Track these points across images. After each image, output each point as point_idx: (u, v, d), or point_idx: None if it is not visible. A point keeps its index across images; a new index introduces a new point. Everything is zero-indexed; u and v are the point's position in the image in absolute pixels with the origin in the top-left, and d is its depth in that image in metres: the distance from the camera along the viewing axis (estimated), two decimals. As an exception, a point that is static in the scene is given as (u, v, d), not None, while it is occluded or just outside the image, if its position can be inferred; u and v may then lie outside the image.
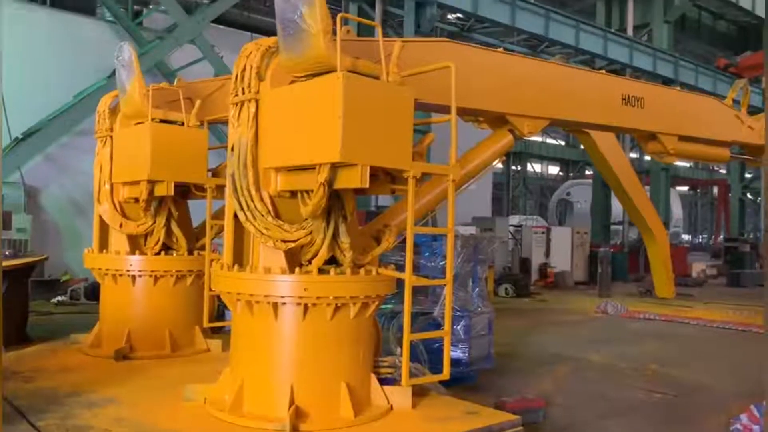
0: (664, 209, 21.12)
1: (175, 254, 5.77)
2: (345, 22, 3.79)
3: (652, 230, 12.29)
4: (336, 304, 3.86)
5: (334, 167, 3.46)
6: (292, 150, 3.61)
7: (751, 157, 8.86)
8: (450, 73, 3.84)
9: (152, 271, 5.64)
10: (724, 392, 6.63)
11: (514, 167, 47.43)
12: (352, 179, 3.41)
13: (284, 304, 3.83)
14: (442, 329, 6.20)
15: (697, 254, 35.69)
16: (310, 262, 3.94)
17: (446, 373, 4.02)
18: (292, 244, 3.82)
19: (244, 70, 3.95)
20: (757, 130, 8.29)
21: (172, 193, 5.27)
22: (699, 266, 25.17)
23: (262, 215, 3.80)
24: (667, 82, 20.78)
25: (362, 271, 3.96)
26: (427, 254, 6.78)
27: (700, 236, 59.60)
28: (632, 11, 21.64)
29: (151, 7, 14.90)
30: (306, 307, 3.82)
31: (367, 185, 3.40)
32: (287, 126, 3.63)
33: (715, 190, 48.27)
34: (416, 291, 6.61)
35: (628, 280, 19.85)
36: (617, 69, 21.16)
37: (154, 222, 5.65)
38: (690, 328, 11.28)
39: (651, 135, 7.09)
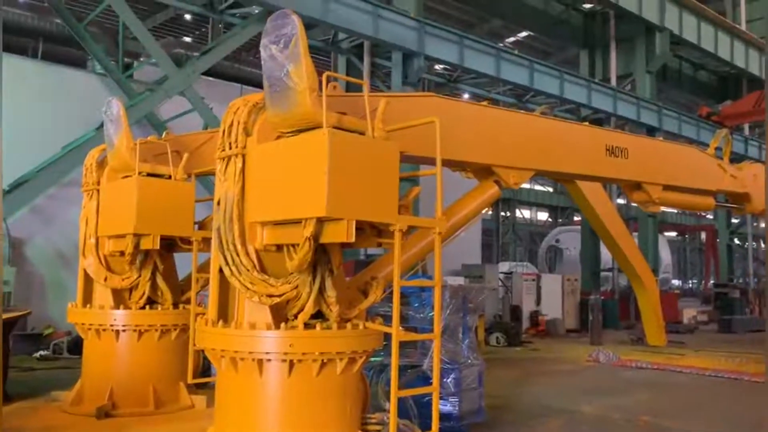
0: (652, 256, 21.20)
1: (160, 308, 5.69)
2: (331, 79, 3.87)
3: (641, 278, 12.32)
4: (322, 360, 3.80)
5: (320, 221, 3.47)
6: (278, 204, 3.61)
7: (736, 206, 8.97)
8: (435, 128, 3.88)
9: (136, 326, 5.56)
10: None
11: (503, 213, 47.81)
12: (338, 234, 3.41)
13: (269, 360, 3.77)
14: (431, 382, 6.13)
15: (688, 300, 35.73)
16: (296, 317, 3.90)
17: (435, 429, 3.92)
18: (278, 299, 3.78)
19: (231, 125, 3.99)
20: (739, 179, 8.43)
21: (158, 246, 5.23)
22: (690, 312, 25.11)
23: (248, 270, 3.77)
24: (651, 130, 21.21)
25: (349, 325, 3.92)
26: (416, 305, 6.74)
27: (690, 282, 59.79)
28: (615, 61, 22.23)
29: (141, 59, 15.12)
30: (291, 363, 3.76)
31: (353, 239, 3.40)
32: (273, 181, 3.64)
33: (703, 235, 48.77)
34: (405, 343, 6.56)
35: (620, 328, 19.75)
36: (602, 118, 21.65)
37: (139, 276, 5.60)
38: (682, 376, 11.16)
39: (636, 184, 7.19)
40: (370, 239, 3.84)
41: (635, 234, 22.25)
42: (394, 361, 3.69)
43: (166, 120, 13.47)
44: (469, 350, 6.44)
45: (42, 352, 10.21)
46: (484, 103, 5.76)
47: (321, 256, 3.80)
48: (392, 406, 3.68)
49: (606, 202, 11.56)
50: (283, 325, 3.75)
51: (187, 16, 25.24)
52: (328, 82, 3.48)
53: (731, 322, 21.21)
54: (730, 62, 24.51)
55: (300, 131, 3.60)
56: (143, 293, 5.59)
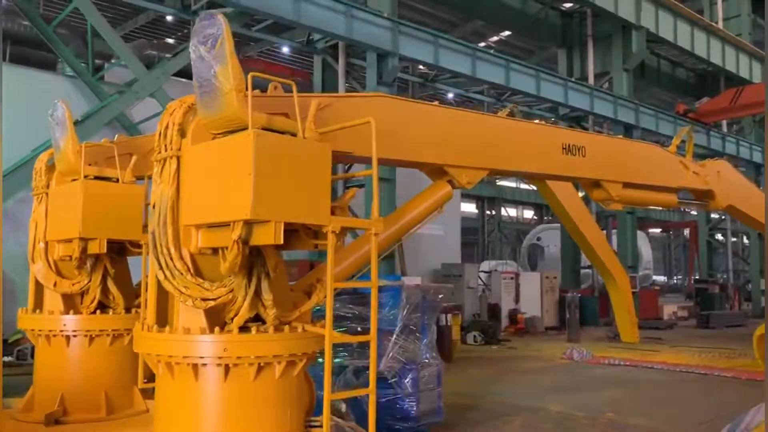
0: (631, 252, 21.32)
1: (111, 313, 5.62)
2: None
3: (613, 275, 12.37)
4: (259, 364, 3.76)
5: (249, 224, 3.44)
6: (208, 207, 3.58)
7: (700, 202, 9.03)
8: (371, 128, 3.86)
9: (87, 331, 5.48)
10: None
11: (488, 212, 47.93)
12: (267, 236, 3.38)
13: (204, 365, 3.73)
14: (390, 383, 6.12)
15: (672, 296, 35.98)
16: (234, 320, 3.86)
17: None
18: (213, 303, 3.75)
19: (167, 127, 3.95)
20: (702, 176, 8.49)
21: (105, 250, 5.17)
22: (670, 308, 25.34)
23: (181, 274, 3.73)
24: (628, 127, 21.32)
25: (286, 328, 3.88)
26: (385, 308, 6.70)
27: (675, 278, 60.24)
28: (592, 60, 22.33)
29: (112, 61, 14.98)
30: (227, 367, 3.73)
31: (281, 242, 3.37)
32: (204, 183, 3.61)
33: (687, 231, 49.12)
34: (364, 343, 6.53)
35: (599, 325, 19.85)
36: (580, 116, 21.76)
37: (90, 280, 5.53)
38: (653, 372, 11.24)
39: (595, 182, 7.22)
40: (305, 241, 3.82)
41: (614, 231, 22.43)
42: (327, 362, 3.65)
43: (137, 122, 13.36)
44: (428, 350, 6.43)
45: (6, 358, 10.09)
46: (435, 102, 5.75)
47: (257, 258, 3.77)
48: (325, 408, 3.64)
49: (577, 200, 11.61)
50: (216, 329, 3.71)
51: (169, 18, 25.07)
52: (252, 82, 3.44)
53: (709, 318, 21.38)
54: (707, 60, 24.68)
55: (230, 132, 3.57)
56: (94, 298, 5.52)
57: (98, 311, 5.61)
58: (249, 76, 3.42)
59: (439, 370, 6.46)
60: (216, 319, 3.85)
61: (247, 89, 3.43)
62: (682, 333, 19.40)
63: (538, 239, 27.00)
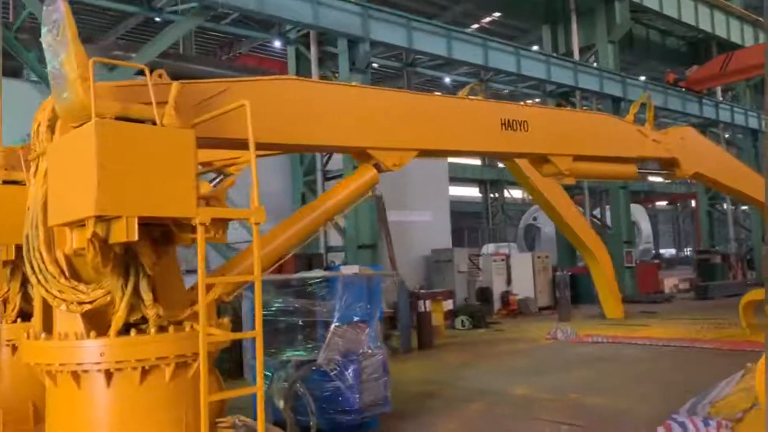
0: (625, 227, 20.98)
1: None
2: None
3: (592, 251, 12.10)
4: (143, 368, 3.59)
5: (106, 221, 3.25)
6: (66, 205, 3.39)
7: (665, 172, 8.75)
8: (246, 112, 3.66)
9: (8, 341, 5.34)
10: (638, 418, 6.33)
11: (492, 195, 47.57)
12: (122, 232, 3.19)
13: (85, 371, 3.57)
14: (329, 376, 5.95)
15: (682, 268, 35.46)
16: (122, 323, 3.69)
17: (261, 430, 3.70)
18: (89, 306, 3.57)
19: (39, 125, 3.77)
20: (663, 144, 8.20)
21: (13, 257, 5.01)
22: (671, 281, 25.02)
23: (54, 277, 3.56)
24: (616, 100, 20.89)
25: (171, 328, 3.70)
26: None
27: (686, 250, 59.55)
28: (577, 34, 21.91)
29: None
30: (108, 373, 3.56)
31: (135, 238, 3.18)
32: (62, 180, 3.43)
33: (694, 203, 48.46)
34: (308, 336, 6.37)
35: (594, 302, 19.55)
36: (566, 92, 21.38)
37: (9, 288, 5.38)
38: (634, 348, 11.00)
39: (544, 157, 6.97)
40: (181, 236, 3.62)
41: (607, 207, 22.11)
42: (203, 358, 3.46)
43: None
44: (373, 339, 6.24)
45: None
46: (354, 83, 5.53)
47: (133, 257, 3.59)
48: (203, 407, 3.44)
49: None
50: (93, 333, 3.54)
51: (158, 19, 24.82)
52: (94, 68, 3.24)
53: (708, 288, 21.07)
54: (696, 27, 24.15)
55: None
56: (15, 306, 5.38)
57: (19, 320, 5.45)
58: (90, 62, 3.22)
59: (384, 359, 6.26)
60: (99, 323, 3.68)
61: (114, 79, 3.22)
62: (679, 306, 19.12)
63: (534, 219, 26.66)
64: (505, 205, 48.17)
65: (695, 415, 6.02)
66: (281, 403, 5.73)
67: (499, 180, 46.36)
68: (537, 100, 23.54)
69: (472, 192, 46.48)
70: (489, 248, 27.35)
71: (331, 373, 5.86)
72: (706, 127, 26.34)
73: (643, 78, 26.42)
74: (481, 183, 46.92)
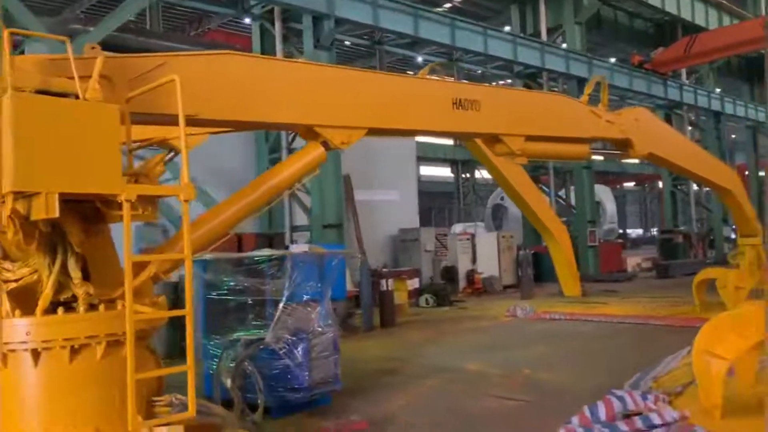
0: (589, 207, 21.28)
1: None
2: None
3: (551, 231, 12.26)
4: (72, 347, 3.55)
5: (27, 197, 3.18)
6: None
7: (619, 152, 8.87)
8: (176, 87, 3.59)
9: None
10: (584, 393, 6.45)
11: (463, 175, 47.80)
12: (42, 209, 3.13)
13: (12, 351, 3.53)
14: (279, 355, 5.96)
15: (648, 248, 36.16)
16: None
17: (191, 410, 3.70)
18: (14, 284, 3.52)
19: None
20: (617, 125, 8.30)
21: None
22: (634, 260, 25.51)
23: (-23, 255, 3.49)
24: (582, 81, 20.98)
25: (101, 307, 3.67)
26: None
27: (652, 230, 60.71)
28: (544, 14, 21.92)
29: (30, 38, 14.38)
30: (36, 352, 3.52)
31: (56, 215, 3.13)
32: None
33: (661, 184, 49.26)
34: (258, 315, 6.35)
35: (557, 280, 19.88)
36: (534, 73, 21.43)
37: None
38: (590, 325, 11.24)
39: (495, 137, 7.01)
40: (110, 213, 3.57)
41: (572, 187, 22.37)
42: (129, 336, 3.43)
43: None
44: (324, 318, 6.26)
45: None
46: (301, 60, 5.47)
47: (60, 234, 3.53)
48: (129, 389, 3.43)
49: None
50: (18, 312, 3.49)
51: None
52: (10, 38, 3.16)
53: (669, 267, 21.54)
54: (662, 9, 24.34)
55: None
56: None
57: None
58: (5, 33, 3.13)
59: (335, 337, 6.30)
60: (27, 302, 3.62)
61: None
62: (640, 284, 19.53)
63: (502, 199, 26.82)
64: (476, 185, 48.44)
65: (636, 390, 6.20)
66: (228, 382, 5.73)
67: (471, 160, 46.42)
68: (509, 81, 23.59)
69: (444, 172, 46.64)
70: (459, 228, 27.56)
71: (280, 352, 5.87)
72: (670, 108, 26.74)
73: (613, 60, 26.63)
74: (452, 163, 47.06)
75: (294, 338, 5.94)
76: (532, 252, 17.47)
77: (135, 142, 4.17)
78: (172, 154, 6.05)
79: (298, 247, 6.21)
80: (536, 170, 22.15)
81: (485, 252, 19.38)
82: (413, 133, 6.61)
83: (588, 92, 8.15)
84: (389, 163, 19.37)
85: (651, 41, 27.36)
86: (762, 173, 33.90)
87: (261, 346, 5.84)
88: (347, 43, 23.24)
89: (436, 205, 51.39)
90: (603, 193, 30.09)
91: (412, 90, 6.04)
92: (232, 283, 6.34)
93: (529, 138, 7.17)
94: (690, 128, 27.84)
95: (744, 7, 30.13)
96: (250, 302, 6.18)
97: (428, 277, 17.90)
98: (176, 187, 3.64)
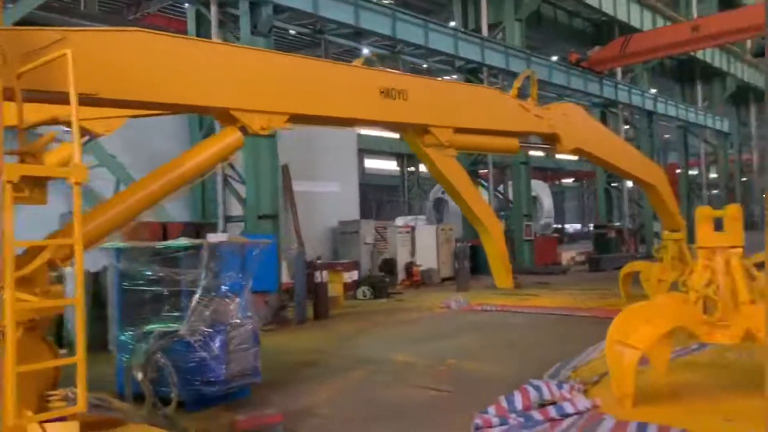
0: (525, 201, 21.69)
1: None
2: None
3: (484, 224, 12.33)
4: (-50, 338, 3.30)
5: None
6: None
7: (547, 146, 9.00)
8: (68, 62, 3.37)
9: None
10: (506, 382, 6.52)
11: (409, 169, 47.99)
12: None
13: None
14: (194, 347, 5.76)
15: (585, 242, 37.24)
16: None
17: (81, 404, 3.50)
18: None
19: None
20: (545, 119, 8.40)
21: None
22: (569, 254, 26.20)
23: None
24: (521, 78, 21.35)
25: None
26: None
27: (589, 225, 62.54)
28: (485, 10, 22.12)
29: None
30: None
31: None
32: None
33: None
34: (174, 307, 6.13)
35: (494, 273, 20.17)
36: (475, 68, 21.60)
37: None
38: (520, 317, 11.44)
39: (424, 128, 6.97)
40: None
41: (510, 182, 22.73)
42: (10, 326, 3.21)
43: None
44: (243, 309, 6.10)
45: None
46: (217, 40, 5.27)
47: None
48: (8, 382, 3.21)
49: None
50: None
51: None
52: None
53: (600, 261, 22.21)
54: (600, 9, 24.97)
55: None
56: None
57: None
58: None
59: (254, 329, 6.15)
60: None
61: None
62: (572, 277, 20.05)
63: (443, 192, 27.05)
64: (420, 179, 48.72)
65: (554, 379, 6.30)
66: (140, 375, 5.51)
67: (415, 154, 46.85)
68: (455, 76, 23.68)
69: (390, 165, 46.73)
70: (402, 221, 27.65)
71: (195, 344, 5.68)
72: (606, 106, 27.51)
73: (555, 58, 27.12)
74: (398, 156, 47.15)
75: (211, 330, 5.75)
76: (470, 245, 17.65)
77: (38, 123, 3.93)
78: (87, 137, 5.75)
79: (216, 237, 6.00)
80: (475, 164, 22.43)
81: (424, 245, 19.49)
82: (339, 121, 6.47)
83: (517, 86, 8.21)
84: (330, 153, 19.20)
85: (590, 40, 28.06)
86: (694, 171, 35.50)
87: (174, 339, 5.63)
88: (292, 31, 22.85)
89: (381, 198, 51.50)
90: (540, 188, 30.77)
91: (338, 77, 5.93)
92: (147, 273, 6.09)
93: (458, 130, 7.17)
94: (625, 126, 28.72)
95: (677, 10, 31.30)
96: (166, 293, 5.96)
97: (368, 269, 17.87)
98: (65, 169, 3.42)
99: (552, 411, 5.11)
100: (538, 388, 5.62)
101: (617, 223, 28.48)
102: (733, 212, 5.50)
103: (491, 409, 5.22)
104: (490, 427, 4.91)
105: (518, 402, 5.35)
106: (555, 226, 47.16)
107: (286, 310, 11.64)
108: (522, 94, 8.39)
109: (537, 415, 5.07)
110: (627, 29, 26.07)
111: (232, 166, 15.49)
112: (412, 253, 19.22)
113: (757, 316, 5.21)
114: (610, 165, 9.96)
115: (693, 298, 5.54)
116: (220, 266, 5.89)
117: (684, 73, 33.33)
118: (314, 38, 23.75)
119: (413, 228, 19.80)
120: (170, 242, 6.11)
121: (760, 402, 5.46)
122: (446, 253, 19.81)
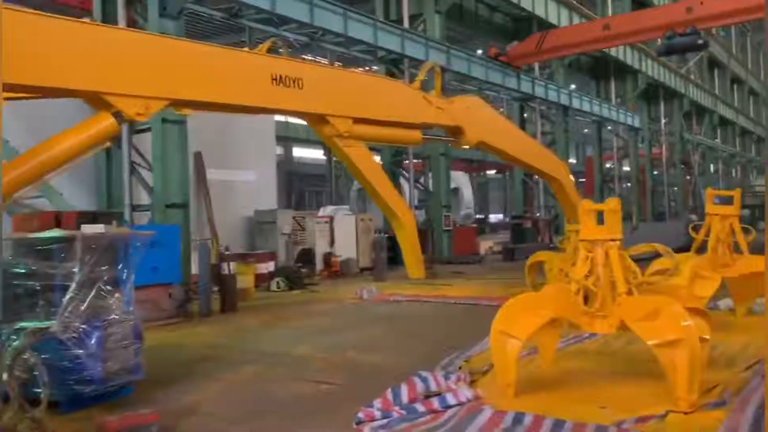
0: (445, 193, 21.97)
1: None
2: None
3: (397, 215, 12.42)
4: None
5: None
6: None
7: (452, 139, 9.09)
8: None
9: None
10: (401, 374, 6.52)
11: (335, 158, 47.74)
12: None
13: None
14: (69, 344, 5.44)
15: (506, 232, 38.21)
16: None
17: None
18: None
19: None
20: (448, 112, 8.47)
21: None
22: (486, 244, 26.80)
23: None
24: (441, 70, 21.52)
25: None
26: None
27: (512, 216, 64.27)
28: (407, 2, 22.12)
29: None
30: None
31: None
32: None
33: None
34: (49, 302, 5.76)
35: (413, 263, 20.36)
36: (396, 59, 21.60)
37: None
38: (429, 306, 11.56)
39: (322, 117, 6.86)
40: None
41: (430, 173, 22.95)
42: None
43: None
44: (124, 304, 5.81)
45: None
46: (86, 19, 4.96)
47: None
48: None
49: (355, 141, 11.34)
50: None
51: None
52: None
53: (514, 251, 22.82)
54: (518, 5, 25.47)
55: None
56: None
57: None
58: None
59: (136, 324, 5.88)
60: None
61: None
62: (487, 266, 20.51)
63: (366, 183, 27.13)
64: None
65: (449, 368, 6.37)
66: (4, 376, 5.14)
67: (344, 143, 46.63)
68: (376, 67, 23.58)
69: (318, 154, 46.45)
70: (327, 210, 27.42)
71: (69, 342, 5.36)
72: (524, 101, 28.25)
73: (480, 51, 27.48)
74: (325, 146, 46.80)
75: (86, 327, 5.44)
76: (389, 236, 17.71)
77: None
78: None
79: (91, 228, 5.66)
80: (398, 155, 22.53)
81: (344, 235, 19.40)
82: (227, 107, 6.27)
83: (420, 78, 8.25)
84: (247, 141, 18.74)
85: (510, 35, 28.65)
86: (609, 165, 37.06)
87: (45, 336, 5.29)
88: (217, 15, 22.11)
89: (310, 187, 51.13)
90: (461, 179, 31.30)
91: (224, 62, 5.72)
92: (20, 267, 5.69)
93: (358, 120, 7.10)
94: (542, 121, 29.57)
95: (594, 8, 32.44)
96: (39, 287, 5.59)
97: (285, 260, 17.62)
98: None
99: (435, 402, 5.14)
100: (425, 380, 5.65)
101: (533, 214, 29.39)
102: (612, 205, 5.69)
103: (376, 403, 5.20)
104: (373, 420, 4.88)
105: (404, 394, 5.36)
106: (479, 216, 48.21)
107: (191, 303, 11.29)
108: (439, 89, 8.42)
109: (420, 407, 5.09)
110: (545, 25, 26.76)
111: (139, 153, 14.90)
112: (331, 243, 19.10)
113: (630, 306, 5.42)
114: (514, 158, 10.19)
115: (574, 289, 5.70)
116: (98, 259, 5.56)
117: (599, 70, 34.67)
118: (236, 24, 23.16)
119: (332, 218, 19.65)
120: (41, 234, 5.73)
121: (636, 389, 5.74)
122: (366, 243, 19.81)
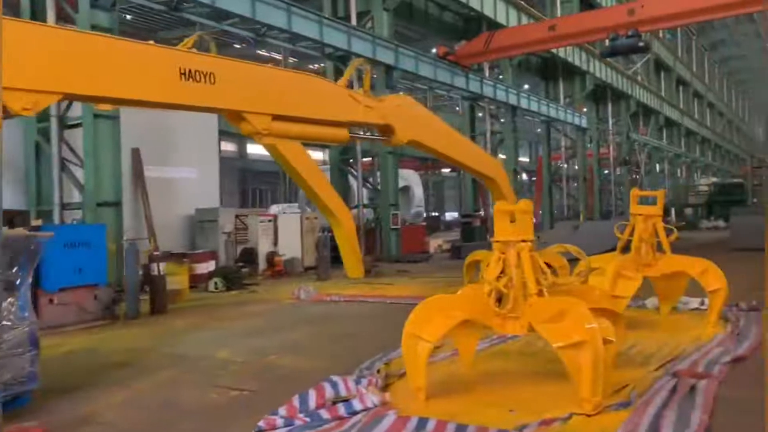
0: (393, 191, 21.91)
1: None
2: None
3: (335, 213, 12.22)
4: None
5: None
6: None
7: (382, 138, 8.98)
8: None
9: None
10: (314, 378, 6.37)
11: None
12: None
13: None
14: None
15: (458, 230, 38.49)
16: None
17: None
18: None
19: None
20: (377, 110, 8.35)
21: None
22: (436, 242, 26.90)
23: None
24: (388, 68, 21.48)
25: None
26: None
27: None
28: (354, -2, 21.96)
29: None
30: None
31: None
32: None
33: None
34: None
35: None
36: (343, 56, 21.40)
37: None
38: (366, 306, 11.46)
39: (238, 114, 6.65)
40: None
41: (378, 172, 22.86)
42: None
43: None
44: (20, 310, 5.50)
45: None
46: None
47: None
48: None
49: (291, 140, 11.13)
50: None
51: None
52: None
53: (461, 249, 22.90)
54: (467, 4, 25.59)
55: None
56: None
57: None
58: None
59: (32, 330, 5.57)
60: None
61: None
62: (434, 265, 20.53)
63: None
64: (301, 166, 48.03)
65: (367, 372, 6.25)
66: None
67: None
68: (322, 64, 23.36)
69: (270, 151, 45.63)
70: (276, 209, 27.04)
71: (-47, 351, 5.03)
72: (474, 100, 28.42)
73: (434, 50, 27.47)
74: (278, 143, 46.14)
75: (-26, 334, 5.12)
76: (332, 234, 17.51)
77: None
78: None
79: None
80: (346, 152, 22.37)
81: (288, 233, 19.14)
82: (129, 103, 6.00)
83: (347, 76, 8.11)
84: (188, 138, 18.29)
85: (460, 34, 28.77)
86: (563, 164, 37.67)
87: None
88: (161, 8, 21.48)
89: (264, 185, 50.49)
90: (411, 177, 31.33)
91: (125, 55, 5.46)
92: None
93: (278, 118, 6.91)
94: (491, 120, 29.83)
95: (543, 9, 32.89)
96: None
97: (227, 260, 17.27)
98: None
99: (341, 409, 5.02)
100: (335, 385, 5.52)
101: (482, 213, 29.62)
102: (523, 206, 5.66)
103: (281, 410, 5.04)
104: (274, 429, 4.72)
105: (312, 400, 5.22)
106: (434, 214, 48.38)
107: (118, 304, 10.90)
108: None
109: (324, 413, 4.95)
110: (494, 25, 26.97)
111: (70, 148, 14.38)
112: (275, 242, 18.82)
113: (538, 307, 5.40)
114: (447, 157, 10.15)
115: (487, 290, 5.66)
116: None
117: (548, 70, 35.20)
118: (184, 19, 22.58)
119: (276, 216, 19.36)
120: None
121: (550, 390, 5.72)
122: (311, 242, 19.59)
